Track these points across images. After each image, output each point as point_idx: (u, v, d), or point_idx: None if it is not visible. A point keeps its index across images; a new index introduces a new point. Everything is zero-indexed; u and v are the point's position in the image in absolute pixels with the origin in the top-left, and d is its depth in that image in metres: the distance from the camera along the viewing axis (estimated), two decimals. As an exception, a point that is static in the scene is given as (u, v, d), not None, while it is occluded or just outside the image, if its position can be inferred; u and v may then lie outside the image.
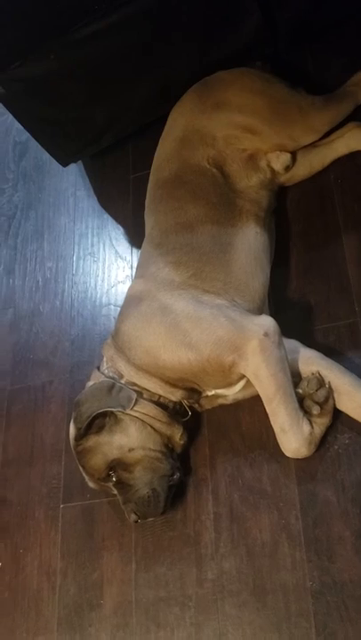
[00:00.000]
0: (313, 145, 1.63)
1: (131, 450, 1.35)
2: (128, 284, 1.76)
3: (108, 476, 1.37)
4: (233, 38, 1.64)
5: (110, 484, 1.39)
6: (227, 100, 1.56)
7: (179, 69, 1.67)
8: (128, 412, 1.37)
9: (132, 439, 1.36)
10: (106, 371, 1.43)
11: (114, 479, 1.37)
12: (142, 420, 1.37)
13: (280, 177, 1.62)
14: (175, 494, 1.42)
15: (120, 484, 1.37)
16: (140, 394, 1.38)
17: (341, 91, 1.64)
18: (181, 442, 1.42)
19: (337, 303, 1.50)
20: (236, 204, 1.51)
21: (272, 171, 1.59)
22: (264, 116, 1.55)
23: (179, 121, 1.62)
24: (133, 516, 1.36)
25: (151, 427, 1.37)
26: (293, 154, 1.61)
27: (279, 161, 1.58)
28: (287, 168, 1.60)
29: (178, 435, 1.41)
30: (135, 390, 1.39)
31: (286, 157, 1.58)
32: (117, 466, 1.36)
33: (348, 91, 1.63)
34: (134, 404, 1.36)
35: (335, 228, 1.58)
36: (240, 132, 1.55)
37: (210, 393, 1.44)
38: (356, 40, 1.75)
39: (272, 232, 1.59)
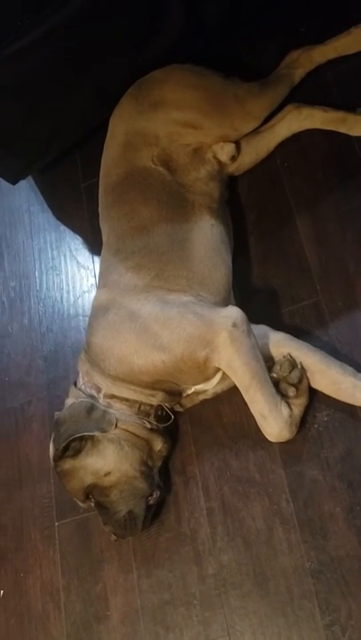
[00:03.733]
0: (256, 132, 1.64)
1: (107, 474, 1.35)
2: (93, 292, 1.75)
3: (87, 498, 1.38)
4: (161, 37, 1.64)
5: (91, 505, 1.39)
6: (163, 99, 1.56)
7: (112, 75, 1.67)
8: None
9: (108, 462, 1.35)
10: (83, 386, 1.42)
11: (92, 502, 1.38)
12: (120, 440, 1.36)
13: (228, 167, 1.63)
14: (166, 495, 1.43)
15: (99, 506, 1.37)
16: (119, 410, 1.37)
17: (275, 74, 1.65)
18: (162, 454, 1.42)
19: (299, 284, 1.51)
20: (188, 198, 1.52)
21: (218, 162, 1.60)
22: (202, 109, 1.55)
23: (119, 126, 1.62)
24: (113, 537, 1.38)
25: (130, 445, 1.36)
26: (238, 143, 1.62)
27: (224, 151, 1.59)
28: (233, 158, 1.60)
29: (158, 446, 1.40)
30: (114, 401, 1.38)
31: (230, 147, 1.59)
32: (94, 490, 1.36)
33: (281, 74, 1.65)
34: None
35: (288, 210, 1.59)
36: (181, 127, 1.55)
37: (190, 391, 1.44)
38: (284, 23, 1.77)
39: (228, 223, 1.59)
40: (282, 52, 1.69)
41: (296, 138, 1.64)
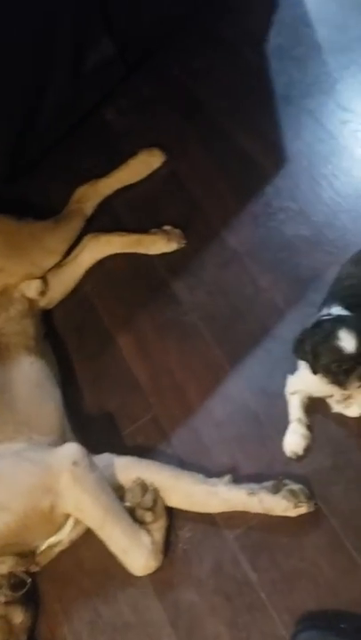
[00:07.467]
0: (60, 264, 1.68)
1: None
2: None
3: None
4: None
5: None
6: None
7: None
8: None
9: None
10: None
11: None
12: None
13: (39, 302, 1.63)
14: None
15: None
16: None
17: (67, 210, 1.74)
18: (25, 625, 1.26)
19: (133, 403, 1.50)
20: (1, 341, 1.48)
21: (28, 299, 1.60)
22: (0, 252, 1.56)
23: None
24: None
25: None
26: (44, 278, 1.64)
27: (31, 288, 1.60)
28: (42, 293, 1.62)
29: (19, 619, 1.25)
30: None
31: (37, 283, 1.61)
32: None
33: (73, 209, 1.74)
34: None
35: (106, 333, 1.62)
36: (-18, 274, 1.54)
37: (43, 547, 1.32)
38: (67, 161, 1.89)
39: (49, 355, 1.57)
40: (69, 188, 1.78)
41: (101, 264, 1.71)
